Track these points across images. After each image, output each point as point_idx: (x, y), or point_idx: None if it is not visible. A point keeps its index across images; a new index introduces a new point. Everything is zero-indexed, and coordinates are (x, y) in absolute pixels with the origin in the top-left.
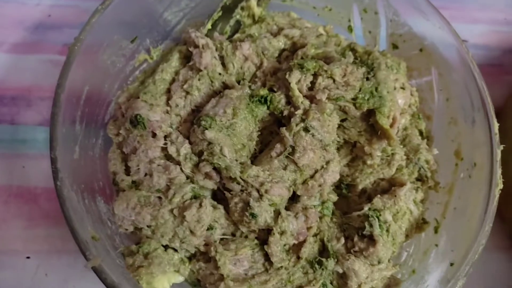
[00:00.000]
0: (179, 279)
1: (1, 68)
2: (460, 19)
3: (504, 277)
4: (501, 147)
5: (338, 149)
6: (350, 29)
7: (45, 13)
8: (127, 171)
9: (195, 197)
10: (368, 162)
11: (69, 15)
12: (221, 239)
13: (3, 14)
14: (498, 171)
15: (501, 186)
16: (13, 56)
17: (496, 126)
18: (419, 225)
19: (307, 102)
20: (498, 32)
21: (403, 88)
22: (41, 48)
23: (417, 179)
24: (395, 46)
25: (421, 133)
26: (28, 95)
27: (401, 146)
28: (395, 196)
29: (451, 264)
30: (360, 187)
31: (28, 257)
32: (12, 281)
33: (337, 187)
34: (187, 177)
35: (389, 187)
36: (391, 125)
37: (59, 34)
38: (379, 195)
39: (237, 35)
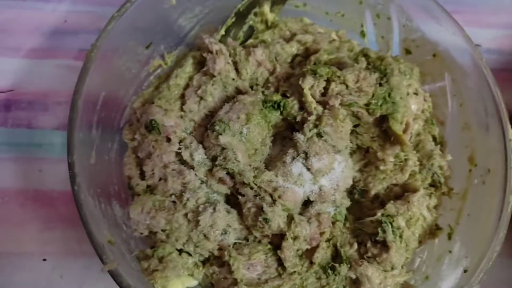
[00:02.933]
0: (193, 283)
1: (19, 73)
2: (473, 23)
3: None
4: None
5: (351, 154)
6: (363, 34)
7: (61, 19)
8: (142, 176)
9: (209, 201)
10: (381, 167)
11: (84, 20)
12: (235, 243)
13: (20, 20)
14: None
15: None
16: (30, 61)
17: (510, 132)
18: (433, 231)
19: (320, 108)
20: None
21: (416, 93)
22: (57, 53)
23: (431, 185)
24: (408, 52)
25: (434, 138)
26: (45, 100)
27: (414, 152)
28: (408, 202)
29: (465, 271)
30: (373, 192)
31: (44, 259)
32: (28, 283)
33: (350, 192)
34: (201, 182)
35: (402, 192)
36: (404, 131)
37: (75, 40)
38: (392, 201)
39: (250, 41)
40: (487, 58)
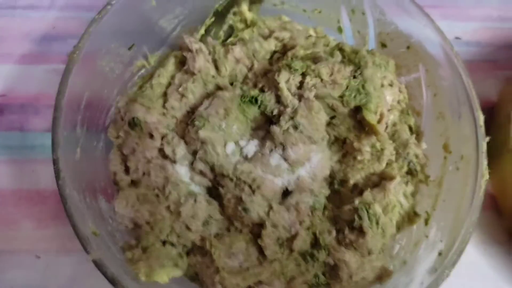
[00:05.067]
0: (178, 273)
1: (10, 78)
2: (453, 16)
3: (503, 270)
4: (487, 139)
5: (330, 146)
6: (340, 30)
7: (50, 25)
8: (127, 171)
9: (191, 194)
10: (358, 157)
11: (72, 26)
12: (216, 234)
13: (11, 27)
14: (484, 162)
15: (487, 177)
16: (21, 66)
17: (481, 118)
18: (411, 217)
19: (295, 101)
20: (492, 29)
21: (391, 85)
22: (47, 58)
23: (407, 173)
24: (383, 45)
25: (410, 128)
26: (36, 103)
27: (391, 142)
28: (385, 189)
29: (439, 254)
30: (351, 182)
31: (38, 256)
32: (22, 280)
33: (330, 183)
34: (183, 175)
35: (380, 181)
36: (379, 121)
37: (63, 45)
38: (369, 189)
39: (230, 39)
40: (467, 50)
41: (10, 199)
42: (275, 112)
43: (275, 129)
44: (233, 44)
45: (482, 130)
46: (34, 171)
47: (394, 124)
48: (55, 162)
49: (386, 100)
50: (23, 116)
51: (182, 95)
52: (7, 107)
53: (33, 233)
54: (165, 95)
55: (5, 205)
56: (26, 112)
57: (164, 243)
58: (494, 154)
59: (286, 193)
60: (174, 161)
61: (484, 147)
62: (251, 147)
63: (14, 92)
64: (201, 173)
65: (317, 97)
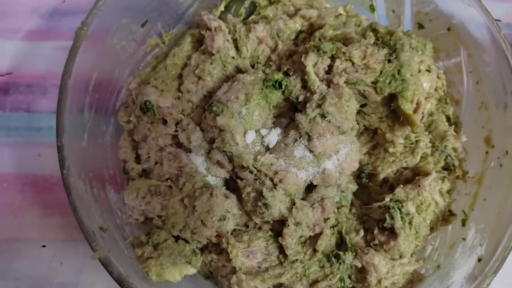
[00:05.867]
0: (192, 270)
1: (17, 56)
2: None
3: None
4: None
5: (358, 136)
6: (372, 8)
7: None
8: (138, 159)
9: (206, 186)
10: (390, 150)
11: (83, 1)
12: (234, 230)
13: (18, 1)
14: None
15: None
16: (28, 43)
17: None
18: (446, 217)
19: (324, 87)
20: None
21: (428, 70)
22: (56, 35)
23: (444, 168)
24: (420, 26)
25: (448, 118)
26: (44, 83)
27: (426, 133)
28: (419, 186)
29: (479, 260)
30: (381, 176)
31: (44, 246)
32: (28, 269)
33: (358, 176)
34: (198, 166)
35: (413, 176)
36: (415, 111)
37: (73, 20)
38: (401, 185)
39: (252, 17)
40: (507, 33)
41: (16, 185)
42: (301, 98)
43: (300, 117)
44: (255, 22)
45: None
46: (41, 156)
47: (431, 114)
48: (59, 149)
49: (423, 87)
50: (29, 96)
51: (199, 78)
52: (13, 86)
53: (39, 222)
54: (180, 77)
55: (9, 191)
56: (33, 92)
57: (177, 239)
58: None
59: (310, 187)
60: (189, 150)
61: None
62: (273, 136)
63: (20, 71)
64: (218, 163)
65: (347, 82)
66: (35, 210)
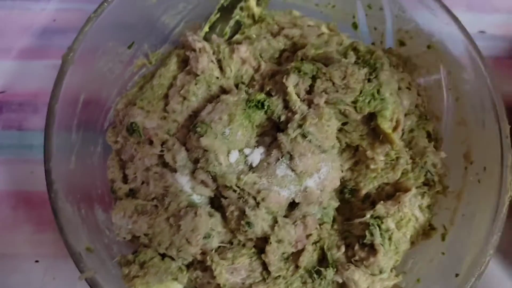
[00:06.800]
0: (178, 287)
1: (9, 75)
2: (477, 8)
3: None
4: None
5: (340, 153)
6: (355, 26)
7: (50, 17)
8: (125, 179)
9: (191, 205)
10: (371, 166)
11: (73, 19)
12: (218, 247)
13: (10, 20)
14: (509, 177)
15: (511, 192)
16: (20, 62)
17: (507, 129)
18: (426, 231)
19: (304, 107)
20: None
21: (409, 88)
22: (47, 53)
23: (424, 184)
24: (402, 43)
25: (429, 134)
26: (35, 101)
27: (407, 149)
28: (399, 202)
29: (456, 275)
30: (363, 191)
31: (36, 261)
32: (21, 285)
33: (340, 191)
34: (183, 185)
35: (394, 192)
36: (394, 129)
37: (64, 39)
38: (382, 202)
39: (236, 37)
40: (492, 45)
41: (8, 201)
42: (283, 118)
43: (282, 137)
44: (239, 43)
45: (508, 141)
46: (33, 172)
47: (411, 130)
48: (47, 173)
49: (403, 104)
50: (21, 114)
51: (184, 98)
52: (5, 105)
53: (32, 237)
54: (166, 97)
55: (2, 207)
56: (25, 110)
57: (163, 256)
58: None
59: (292, 204)
60: (174, 170)
61: (509, 160)
62: (256, 155)
63: (12, 89)
64: (203, 183)
65: (328, 102)
66: (27, 226)
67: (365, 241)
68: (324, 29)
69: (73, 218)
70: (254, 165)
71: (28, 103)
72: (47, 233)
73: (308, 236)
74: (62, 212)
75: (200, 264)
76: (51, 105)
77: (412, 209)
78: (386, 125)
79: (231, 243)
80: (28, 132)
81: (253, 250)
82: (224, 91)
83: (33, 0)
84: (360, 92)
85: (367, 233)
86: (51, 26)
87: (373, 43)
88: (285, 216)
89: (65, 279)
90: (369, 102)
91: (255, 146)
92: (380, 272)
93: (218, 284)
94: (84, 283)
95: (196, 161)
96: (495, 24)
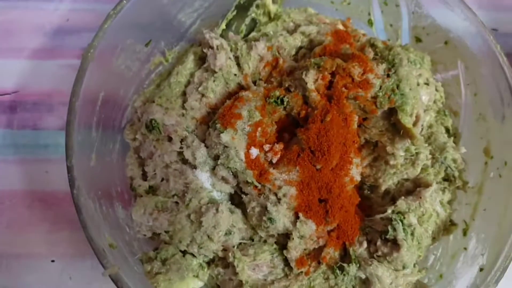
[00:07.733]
0: (199, 284)
1: (23, 74)
2: (489, 5)
3: None
4: None
5: (359, 149)
6: (370, 23)
7: (64, 17)
8: (144, 176)
9: (212, 202)
10: (391, 162)
11: (86, 19)
12: (240, 243)
13: (23, 20)
14: None
15: None
16: (34, 62)
17: None
18: (447, 227)
19: (324, 102)
20: None
21: (427, 83)
22: (60, 53)
23: (444, 179)
24: (418, 40)
25: (447, 130)
26: (49, 100)
27: (426, 145)
28: (420, 197)
29: (481, 269)
30: (383, 188)
31: (52, 261)
32: (37, 284)
33: (360, 188)
34: (204, 182)
35: (414, 188)
36: (414, 124)
37: (78, 39)
38: (403, 197)
39: (252, 34)
40: (504, 43)
41: (24, 201)
42: (303, 113)
43: (302, 133)
44: (256, 39)
45: None
46: (48, 172)
47: (430, 126)
48: (69, 169)
49: (422, 100)
50: (36, 113)
51: (203, 95)
52: (20, 105)
53: (48, 237)
54: (184, 94)
55: (18, 207)
56: (40, 109)
57: (184, 253)
58: None
59: None
60: (194, 166)
61: None
62: (276, 151)
63: (27, 89)
64: (223, 179)
65: (347, 98)
66: (43, 226)
67: (387, 236)
68: (340, 26)
69: (95, 215)
70: (274, 161)
71: (42, 102)
72: (63, 232)
73: (329, 232)
74: (85, 208)
75: (222, 261)
76: (72, 102)
77: (433, 204)
78: (406, 120)
79: (252, 239)
80: (43, 132)
81: (275, 246)
82: (242, 87)
83: (47, 0)
84: (380, 88)
85: (389, 228)
86: (64, 26)
87: (388, 40)
88: None
89: (81, 278)
90: (389, 97)
91: (275, 142)
92: (403, 267)
93: (240, 281)
94: (100, 283)
95: (216, 158)
96: (507, 22)
